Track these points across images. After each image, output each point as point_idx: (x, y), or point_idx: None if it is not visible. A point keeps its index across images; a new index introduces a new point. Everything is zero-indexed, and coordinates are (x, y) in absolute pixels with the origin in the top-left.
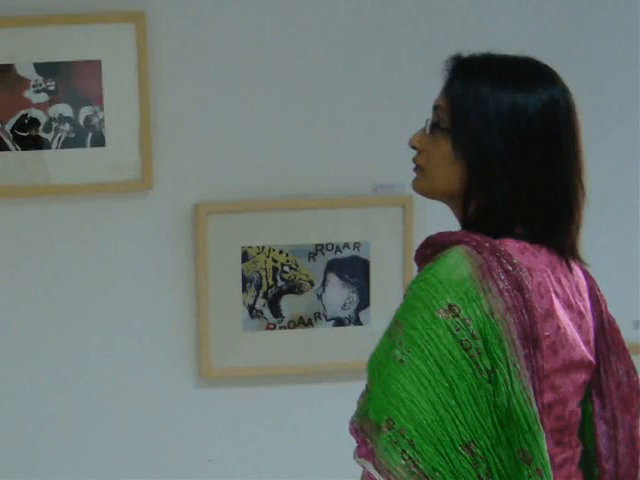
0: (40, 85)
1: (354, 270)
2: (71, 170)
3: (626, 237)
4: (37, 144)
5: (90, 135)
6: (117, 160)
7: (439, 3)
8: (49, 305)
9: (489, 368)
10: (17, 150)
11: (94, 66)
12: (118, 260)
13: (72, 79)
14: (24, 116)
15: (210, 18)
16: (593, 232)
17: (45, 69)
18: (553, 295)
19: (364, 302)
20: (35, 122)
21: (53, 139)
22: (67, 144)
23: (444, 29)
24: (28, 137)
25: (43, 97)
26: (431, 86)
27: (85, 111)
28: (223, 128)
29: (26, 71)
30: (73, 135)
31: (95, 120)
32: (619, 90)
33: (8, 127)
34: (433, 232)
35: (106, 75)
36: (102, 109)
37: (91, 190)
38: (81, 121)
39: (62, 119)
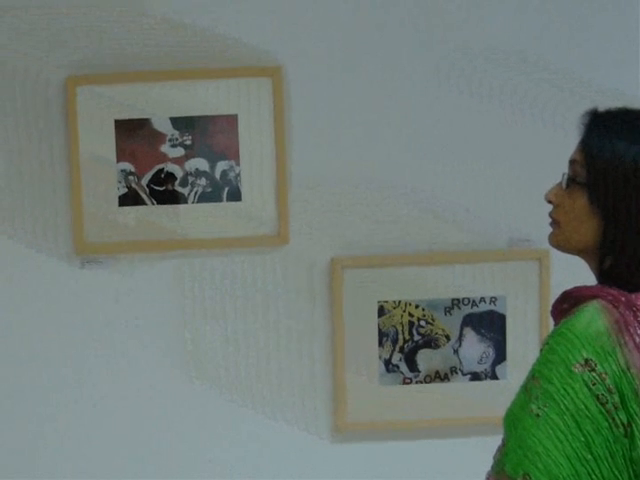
0: (176, 140)
1: (490, 324)
2: (207, 224)
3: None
4: (173, 198)
5: (226, 189)
6: (253, 214)
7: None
8: (191, 361)
9: (625, 422)
10: (153, 204)
11: (230, 120)
12: (254, 314)
13: (208, 133)
14: (160, 170)
15: (346, 72)
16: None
17: (181, 123)
18: None
19: (500, 356)
20: (171, 176)
21: (189, 193)
22: (203, 198)
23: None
24: (164, 191)
25: (179, 151)
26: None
27: (221, 165)
28: (359, 182)
29: (163, 126)
30: (209, 189)
31: (231, 174)
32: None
33: (144, 181)
34: (569, 286)
35: (242, 129)
36: (238, 163)
37: (227, 245)
38: (217, 175)
39: (198, 173)
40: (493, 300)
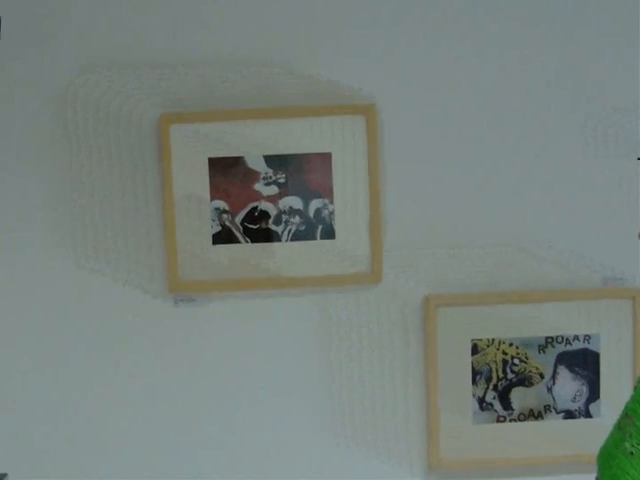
0: (270, 178)
1: (584, 363)
2: (300, 263)
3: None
4: (267, 236)
5: (320, 227)
6: (347, 253)
7: None
8: (275, 399)
9: None
10: (247, 242)
11: (324, 158)
12: (346, 353)
13: (302, 171)
14: (254, 209)
15: (439, 111)
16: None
17: (275, 162)
18: None
19: (594, 394)
20: (265, 215)
21: (283, 232)
22: (297, 236)
23: None
24: (258, 229)
25: (273, 190)
26: None
27: (315, 204)
28: (452, 220)
29: (256, 164)
30: (303, 228)
31: (325, 212)
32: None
33: (238, 219)
34: None
35: (336, 167)
36: (332, 201)
37: (320, 283)
38: (311, 214)
39: (292, 212)
40: (587, 338)
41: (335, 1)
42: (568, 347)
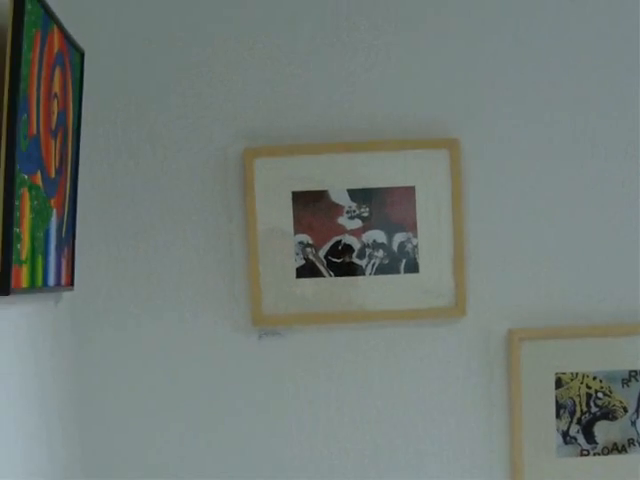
0: (354, 211)
1: None
2: (384, 296)
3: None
4: (351, 270)
5: (404, 261)
6: (430, 286)
7: None
8: (351, 428)
9: None
10: (331, 276)
11: (408, 192)
12: (429, 387)
13: (386, 205)
14: (338, 242)
15: (525, 146)
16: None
17: (359, 195)
18: None
19: None
20: (349, 248)
21: (367, 265)
22: (381, 270)
23: None
24: (342, 263)
25: (357, 223)
26: None
27: (399, 237)
28: (536, 252)
29: (340, 197)
30: (387, 261)
31: (409, 246)
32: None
33: (322, 253)
34: None
35: (420, 201)
36: (416, 235)
37: (404, 317)
38: (395, 247)
39: (376, 245)
40: None
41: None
42: None
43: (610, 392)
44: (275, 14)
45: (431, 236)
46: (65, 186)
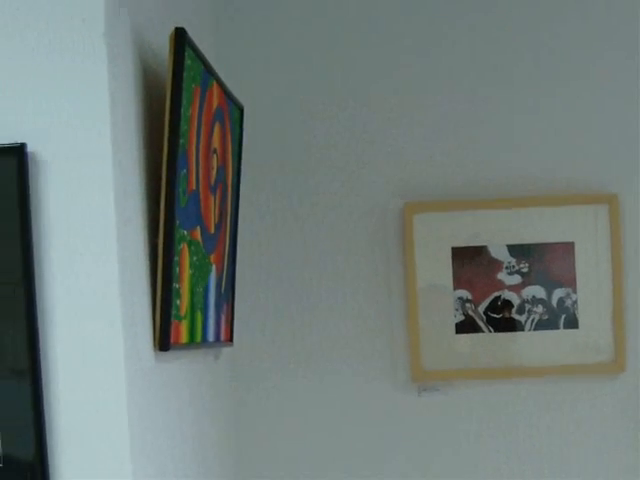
0: (513, 267)
1: None
2: (543, 352)
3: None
4: (510, 326)
5: (563, 317)
6: (589, 342)
7: None
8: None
9: None
10: (490, 332)
11: (567, 248)
12: (589, 442)
13: (545, 261)
14: (497, 298)
15: None
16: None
17: (518, 251)
18: None
19: None
20: (508, 304)
21: (526, 321)
22: (540, 326)
23: None
24: (501, 319)
25: (516, 279)
26: None
27: (558, 293)
28: None
29: (499, 253)
30: (546, 317)
31: (568, 302)
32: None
33: (481, 309)
34: None
35: (579, 257)
36: (575, 291)
37: (563, 372)
38: (554, 303)
39: (535, 301)
40: None
41: None
42: None
43: None
44: (433, 72)
45: (590, 292)
46: (224, 242)
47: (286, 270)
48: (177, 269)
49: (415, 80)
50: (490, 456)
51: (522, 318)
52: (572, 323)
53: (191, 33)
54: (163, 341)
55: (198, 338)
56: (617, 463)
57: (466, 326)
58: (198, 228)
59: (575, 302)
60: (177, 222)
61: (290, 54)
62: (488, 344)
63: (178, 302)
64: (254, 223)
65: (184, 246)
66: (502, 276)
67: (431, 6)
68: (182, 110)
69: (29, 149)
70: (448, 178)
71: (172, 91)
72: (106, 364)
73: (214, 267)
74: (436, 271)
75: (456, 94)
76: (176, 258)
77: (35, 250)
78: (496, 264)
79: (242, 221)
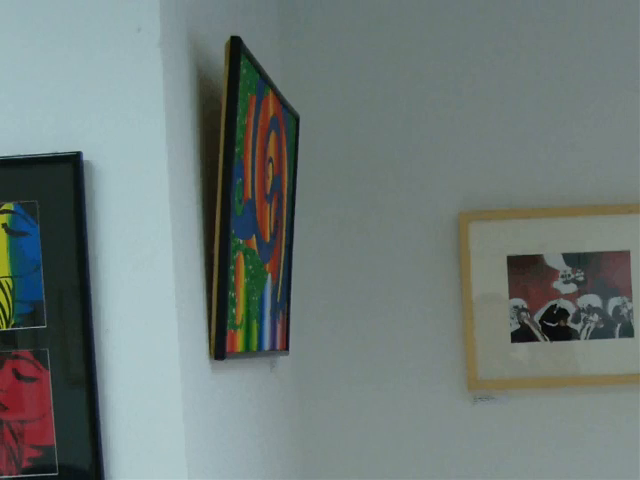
0: (569, 276)
1: None
2: (599, 361)
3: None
4: (566, 335)
5: (619, 325)
6: None
7: None
8: None
9: None
10: (546, 341)
11: (623, 256)
12: None
13: (600, 269)
14: (553, 306)
15: None
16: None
17: (574, 260)
18: None
19: None
20: (564, 313)
21: (582, 330)
22: (596, 335)
23: None
24: (557, 328)
25: (572, 288)
26: None
27: (614, 302)
28: None
29: (555, 262)
30: (602, 326)
31: (624, 310)
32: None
33: (537, 317)
34: None
35: (635, 265)
36: (631, 300)
37: (619, 381)
38: (610, 311)
39: (591, 310)
40: None
41: None
42: None
43: None
44: (495, 85)
45: None
46: (280, 251)
47: (343, 280)
48: (233, 278)
49: (475, 92)
50: (545, 465)
51: (578, 327)
52: (628, 332)
53: (252, 42)
54: (219, 350)
55: (254, 347)
56: None
57: (521, 335)
58: (254, 237)
59: (631, 311)
60: (233, 231)
61: (354, 64)
62: (543, 353)
63: (234, 311)
64: (312, 232)
65: (240, 255)
66: (558, 285)
67: (498, 18)
68: (238, 119)
69: (85, 158)
70: (504, 187)
71: (227, 100)
72: (162, 373)
73: (270, 276)
74: (492, 280)
75: (514, 104)
76: (232, 267)
77: (90, 259)
78: (552, 273)
79: (300, 230)
